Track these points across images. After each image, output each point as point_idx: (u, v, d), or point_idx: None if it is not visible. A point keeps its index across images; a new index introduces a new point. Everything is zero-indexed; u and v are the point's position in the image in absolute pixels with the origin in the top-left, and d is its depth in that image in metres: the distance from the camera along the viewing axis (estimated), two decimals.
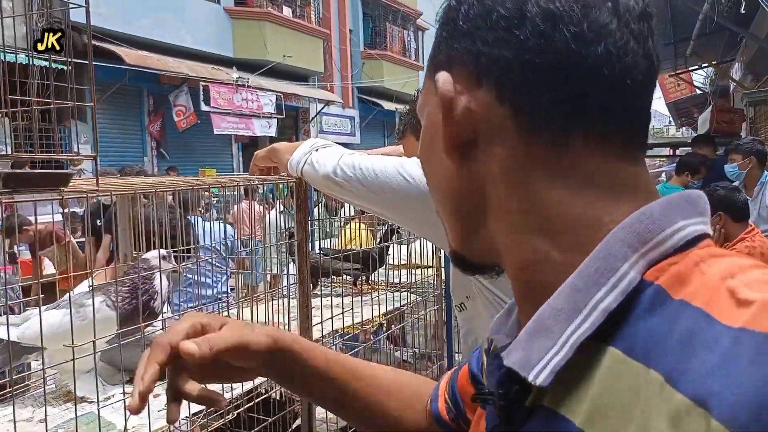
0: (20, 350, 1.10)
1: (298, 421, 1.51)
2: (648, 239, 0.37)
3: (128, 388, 1.15)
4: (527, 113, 0.40)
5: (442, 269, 1.90)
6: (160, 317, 1.26)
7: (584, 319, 0.36)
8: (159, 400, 1.10)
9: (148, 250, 1.37)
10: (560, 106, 0.39)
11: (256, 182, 1.22)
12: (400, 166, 1.16)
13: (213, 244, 2.32)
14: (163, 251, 1.28)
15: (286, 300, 1.44)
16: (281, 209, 4.35)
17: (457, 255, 0.48)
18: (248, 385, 1.19)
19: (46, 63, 0.81)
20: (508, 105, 0.40)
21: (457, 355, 2.07)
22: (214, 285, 2.58)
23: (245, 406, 1.17)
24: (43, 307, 1.16)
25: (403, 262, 2.11)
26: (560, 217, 0.40)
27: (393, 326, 2.57)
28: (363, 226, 2.71)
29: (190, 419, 1.06)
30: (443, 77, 0.43)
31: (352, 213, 2.91)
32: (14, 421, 0.82)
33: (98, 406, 0.96)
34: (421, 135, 0.48)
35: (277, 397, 1.46)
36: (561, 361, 0.36)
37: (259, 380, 1.22)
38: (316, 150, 1.23)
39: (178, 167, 9.00)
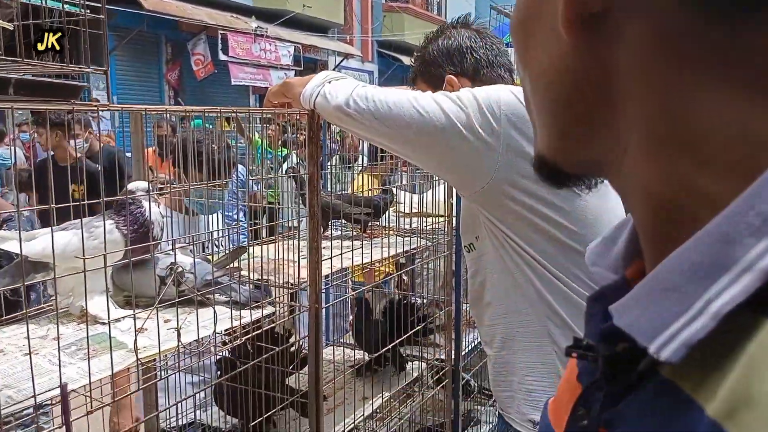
0: (29, 267, 1.12)
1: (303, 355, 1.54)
2: None
3: (138, 312, 1.18)
4: None
5: (453, 217, 1.89)
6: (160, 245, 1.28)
7: (734, 280, 0.26)
8: (169, 324, 1.12)
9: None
10: None
11: (270, 114, 1.21)
12: (414, 99, 1.14)
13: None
14: (145, 183, 1.30)
15: (296, 241, 1.45)
16: (296, 161, 4.36)
17: (547, 162, 0.39)
18: (256, 315, 1.21)
19: (59, 5, 0.79)
20: None
21: (464, 304, 2.08)
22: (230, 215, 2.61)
23: (252, 334, 1.20)
24: (47, 230, 1.19)
25: (414, 211, 2.10)
26: (718, 128, 0.29)
27: (402, 272, 2.59)
28: (374, 179, 2.72)
29: (199, 341, 1.08)
30: None
31: (365, 165, 2.92)
32: (28, 338, 0.85)
33: (109, 327, 0.99)
34: (515, 7, 0.39)
35: (281, 332, 1.48)
36: (698, 333, 0.27)
37: (267, 310, 1.24)
38: (329, 82, 1.22)
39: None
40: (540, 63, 0.36)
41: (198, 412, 1.61)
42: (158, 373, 1.36)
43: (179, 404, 1.53)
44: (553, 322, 1.16)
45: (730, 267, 0.26)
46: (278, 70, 12.03)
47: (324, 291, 1.36)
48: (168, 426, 1.54)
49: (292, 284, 1.33)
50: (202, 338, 1.10)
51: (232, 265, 1.38)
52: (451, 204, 1.88)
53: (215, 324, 1.07)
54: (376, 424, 1.68)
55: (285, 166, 4.01)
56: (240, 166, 2.85)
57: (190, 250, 1.42)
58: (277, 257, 1.39)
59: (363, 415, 1.52)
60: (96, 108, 0.78)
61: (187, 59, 10.79)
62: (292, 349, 1.50)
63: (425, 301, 2.14)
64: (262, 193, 1.90)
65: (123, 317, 1.13)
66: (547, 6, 0.34)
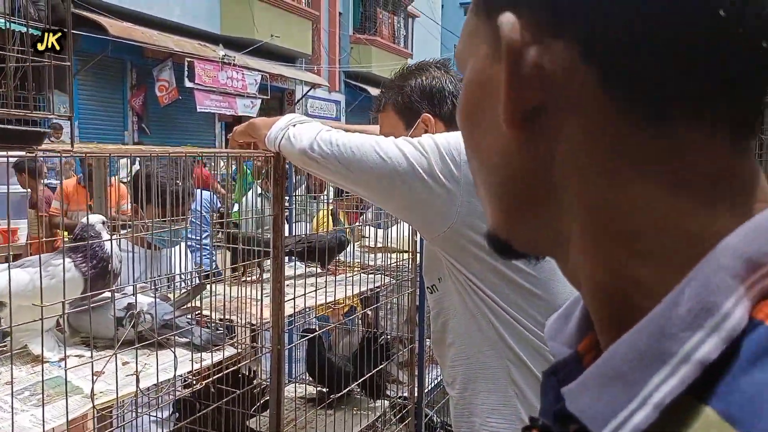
0: None
1: (266, 396, 1.53)
2: (761, 264, 0.28)
3: (85, 352, 1.15)
4: (623, 80, 0.30)
5: (418, 253, 1.92)
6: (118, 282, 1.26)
7: (673, 371, 0.28)
8: (128, 367, 1.10)
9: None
10: (678, 75, 0.29)
11: (236, 156, 1.22)
12: (376, 144, 1.17)
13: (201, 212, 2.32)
14: (101, 217, 1.29)
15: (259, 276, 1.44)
16: (259, 191, 4.34)
17: (498, 240, 0.40)
18: (217, 357, 1.19)
19: (23, 28, 0.80)
20: (596, 66, 0.31)
21: (427, 340, 2.10)
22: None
23: (213, 378, 1.18)
24: (4, 265, 1.16)
25: (378, 246, 2.12)
26: (650, 222, 0.31)
27: (366, 308, 2.59)
28: (340, 211, 2.74)
29: (158, 386, 1.07)
30: (508, 20, 0.32)
31: (331, 197, 2.93)
32: None
33: (65, 368, 0.97)
34: (463, 92, 0.40)
35: (246, 372, 1.47)
36: (643, 423, 0.28)
37: (228, 352, 1.23)
38: (294, 125, 1.24)
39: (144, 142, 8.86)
40: (485, 149, 0.38)
41: None
42: (115, 421, 1.32)
43: None
44: (514, 364, 1.19)
45: (667, 360, 0.28)
46: (244, 98, 12.02)
47: (287, 331, 1.36)
48: None
49: (254, 325, 1.33)
50: (161, 382, 1.08)
51: (191, 305, 1.37)
52: (415, 241, 1.90)
53: (175, 368, 1.06)
54: None
55: (250, 194, 3.98)
56: (205, 192, 2.84)
57: (152, 288, 1.40)
58: (239, 295, 1.38)
59: None
60: (60, 155, 0.78)
61: (152, 85, 10.71)
62: (255, 390, 1.49)
63: (389, 337, 2.14)
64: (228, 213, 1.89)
65: (78, 363, 1.11)
66: (489, 99, 0.35)
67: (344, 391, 1.68)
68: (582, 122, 0.32)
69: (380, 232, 2.18)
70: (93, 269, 1.21)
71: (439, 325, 1.34)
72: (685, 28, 0.29)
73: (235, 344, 1.26)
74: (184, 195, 1.51)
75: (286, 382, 1.85)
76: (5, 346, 1.20)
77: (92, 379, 0.96)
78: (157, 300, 1.31)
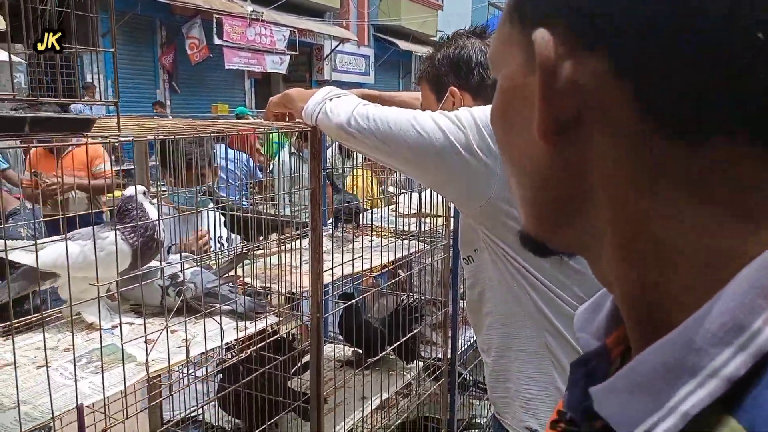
0: (37, 276, 1.15)
1: (306, 358, 1.58)
2: None
3: (135, 319, 1.21)
4: (656, 95, 0.30)
5: (451, 218, 1.92)
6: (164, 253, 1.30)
7: (701, 383, 0.28)
8: (176, 335, 1.15)
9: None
10: (713, 92, 0.29)
11: (274, 129, 1.23)
12: (413, 118, 1.16)
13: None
14: (142, 187, 1.32)
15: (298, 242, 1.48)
16: (292, 151, 4.36)
17: (532, 240, 0.40)
18: (259, 325, 1.24)
19: None
20: (630, 81, 0.31)
21: (461, 302, 2.12)
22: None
23: (257, 345, 1.23)
24: (56, 237, 1.21)
25: (413, 211, 2.13)
26: (682, 236, 0.31)
27: (400, 272, 2.62)
28: (368, 172, 2.75)
29: (205, 355, 1.12)
30: (542, 37, 0.33)
31: (363, 159, 2.95)
32: (44, 349, 0.88)
33: (122, 339, 1.02)
34: (496, 99, 0.40)
35: (288, 337, 1.52)
36: (669, 431, 0.29)
37: (269, 320, 1.27)
38: (331, 99, 1.24)
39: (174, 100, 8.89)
40: (518, 154, 0.38)
41: (201, 411, 1.65)
42: (165, 390, 1.39)
43: (183, 404, 1.57)
44: (552, 334, 1.20)
45: (696, 372, 0.29)
46: (273, 54, 11.94)
47: (325, 299, 1.39)
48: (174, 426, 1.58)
49: (293, 293, 1.37)
50: (209, 350, 1.13)
51: (232, 273, 1.41)
52: (449, 207, 1.91)
53: (222, 338, 1.10)
54: (374, 421, 1.73)
55: (284, 153, 4.02)
56: (244, 155, 2.88)
57: (194, 257, 1.44)
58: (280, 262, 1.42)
59: (362, 415, 1.56)
60: (108, 141, 0.81)
61: (182, 43, 10.70)
62: (294, 353, 1.54)
63: (422, 300, 2.17)
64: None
65: (130, 332, 1.17)
66: (522, 109, 0.36)
67: (380, 355, 1.72)
68: (615, 135, 0.32)
69: (413, 196, 2.19)
70: (140, 240, 1.26)
71: (475, 295, 1.36)
72: (719, 47, 0.28)
73: (276, 312, 1.31)
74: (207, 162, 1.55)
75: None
76: (60, 313, 1.26)
77: (146, 350, 1.00)
78: (198, 270, 1.36)
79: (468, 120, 1.16)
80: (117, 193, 1.41)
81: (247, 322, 1.22)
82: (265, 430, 1.47)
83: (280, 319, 1.29)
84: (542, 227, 0.39)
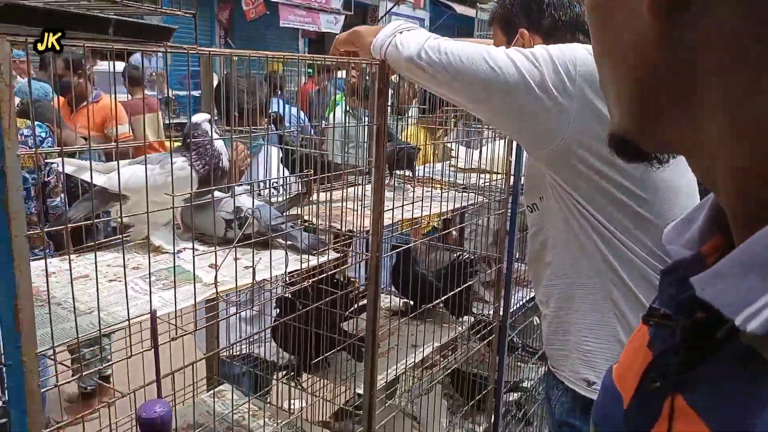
0: (108, 197, 1.18)
1: (361, 302, 1.59)
2: None
3: (199, 246, 1.23)
4: None
5: (512, 176, 1.88)
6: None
7: None
8: (239, 262, 1.17)
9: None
10: None
11: (345, 61, 1.21)
12: (486, 53, 1.12)
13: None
14: (206, 115, 1.32)
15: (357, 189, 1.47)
16: (346, 109, 4.35)
17: (623, 141, 0.40)
18: (320, 259, 1.24)
19: None
20: None
21: (516, 263, 2.09)
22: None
23: (316, 278, 1.24)
24: (126, 161, 1.24)
25: (470, 166, 2.10)
26: None
27: (451, 226, 2.60)
28: (422, 130, 2.73)
29: (270, 280, 1.13)
30: None
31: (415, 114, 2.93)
32: (124, 267, 0.90)
33: (194, 261, 1.04)
34: None
35: (343, 279, 1.52)
36: None
37: (330, 256, 1.28)
38: (401, 32, 1.20)
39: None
40: (620, 44, 0.36)
41: (255, 347, 1.69)
42: (222, 312, 1.42)
43: (237, 338, 1.60)
44: (617, 287, 1.16)
45: None
46: (328, 14, 11.86)
47: (384, 240, 1.38)
48: (228, 357, 1.62)
49: (352, 232, 1.36)
50: (265, 279, 1.14)
51: (292, 211, 1.41)
52: (510, 161, 1.86)
53: (286, 264, 1.11)
54: (423, 371, 1.73)
55: (337, 111, 4.02)
56: (293, 109, 2.89)
57: (258, 192, 1.45)
58: (344, 204, 1.41)
59: (414, 361, 1.56)
60: (187, 51, 0.80)
61: None
62: (350, 295, 1.55)
63: (475, 256, 2.15)
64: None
65: (183, 248, 1.19)
66: None
67: (432, 304, 1.71)
68: (729, 19, 0.31)
69: (471, 152, 2.15)
70: (205, 167, 1.27)
71: (537, 244, 1.32)
72: None
73: (336, 249, 1.31)
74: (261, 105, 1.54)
75: None
76: (128, 235, 1.30)
77: (216, 269, 1.02)
78: (262, 204, 1.37)
79: (544, 57, 1.11)
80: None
81: (307, 256, 1.23)
82: (318, 365, 1.49)
83: (339, 255, 1.29)
84: (640, 123, 0.38)
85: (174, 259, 1.02)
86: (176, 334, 0.91)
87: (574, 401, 1.26)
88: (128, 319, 0.85)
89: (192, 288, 1.02)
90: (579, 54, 1.11)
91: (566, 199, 1.19)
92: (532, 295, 2.25)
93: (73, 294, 0.79)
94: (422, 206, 1.51)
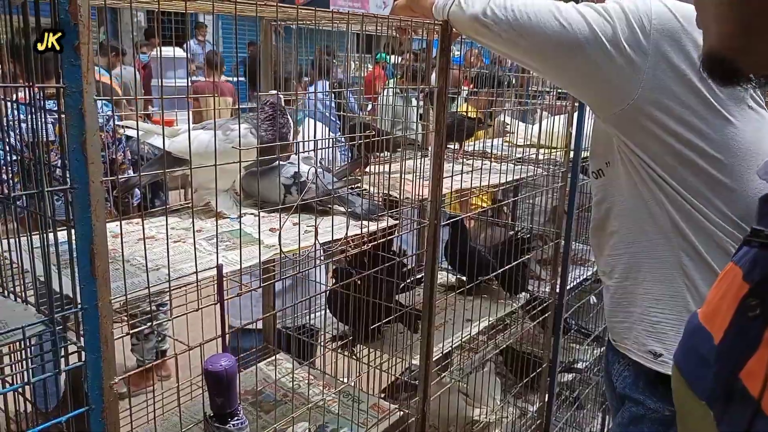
0: (172, 161, 1.20)
1: (419, 275, 1.58)
2: None
3: (268, 215, 1.24)
4: None
5: (571, 150, 1.82)
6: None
7: None
8: (304, 223, 1.17)
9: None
10: None
11: (409, 21, 1.19)
12: (555, 9, 1.08)
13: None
14: (274, 91, 1.32)
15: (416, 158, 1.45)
16: (396, 90, 4.33)
17: (720, 59, 0.39)
18: (375, 227, 1.23)
19: None
20: None
21: (574, 243, 2.03)
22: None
23: (377, 242, 1.23)
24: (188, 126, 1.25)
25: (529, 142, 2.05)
26: None
27: (505, 209, 2.55)
28: (472, 107, 2.69)
29: (331, 244, 1.13)
30: None
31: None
32: (193, 231, 0.92)
33: (259, 223, 1.05)
34: None
35: (396, 249, 1.51)
36: None
37: (391, 223, 1.27)
38: None
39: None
40: None
41: (310, 315, 1.70)
42: (277, 275, 1.44)
43: (293, 306, 1.62)
44: (688, 255, 1.11)
45: None
46: None
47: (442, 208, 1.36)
48: (283, 326, 1.64)
49: (408, 199, 1.35)
50: (322, 245, 1.14)
51: (350, 177, 1.41)
52: (570, 133, 1.80)
53: (347, 227, 1.11)
54: (478, 344, 1.71)
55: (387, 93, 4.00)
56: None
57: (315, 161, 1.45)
58: (403, 172, 1.40)
59: (470, 334, 1.54)
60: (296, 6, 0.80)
61: None
62: (404, 269, 1.54)
63: (531, 233, 2.10)
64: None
65: (244, 213, 1.20)
66: None
67: (486, 277, 1.69)
68: None
69: (530, 128, 2.10)
70: (268, 135, 1.27)
71: (601, 212, 1.28)
72: None
73: (393, 217, 1.30)
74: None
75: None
76: (188, 203, 1.32)
77: (279, 229, 1.02)
78: (320, 170, 1.37)
79: (616, 11, 1.06)
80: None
81: (365, 222, 1.22)
82: (371, 335, 1.49)
83: (398, 222, 1.28)
84: (744, 37, 0.37)
85: (240, 223, 1.02)
86: (241, 290, 0.92)
87: (638, 375, 1.21)
88: (196, 271, 0.86)
89: (253, 249, 1.03)
90: (654, 7, 1.06)
91: (635, 162, 1.14)
92: (588, 273, 2.19)
93: (145, 248, 0.81)
94: (480, 176, 1.48)
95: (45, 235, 0.68)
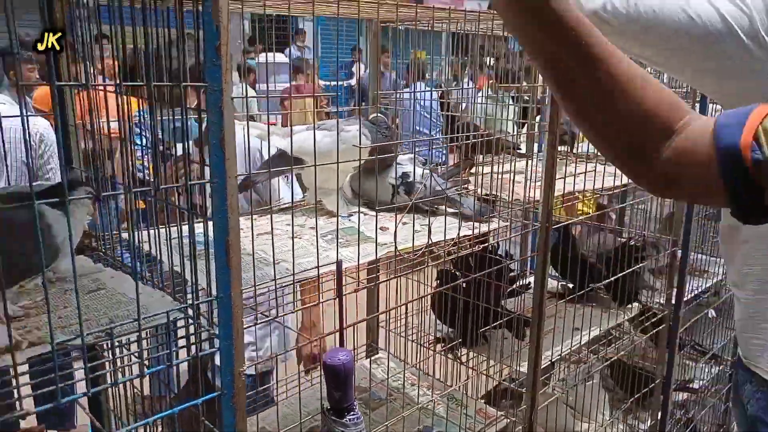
0: (288, 161, 1.24)
1: (526, 280, 1.54)
2: None
3: (369, 211, 1.26)
4: None
5: None
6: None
7: None
8: (407, 227, 1.18)
9: None
10: None
11: None
12: (684, 1, 1.01)
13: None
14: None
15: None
16: (488, 93, 4.30)
17: None
18: (484, 228, 1.21)
19: None
20: None
21: (692, 253, 1.90)
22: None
23: (485, 245, 1.21)
24: (304, 126, 1.29)
25: None
26: None
27: (612, 214, 2.44)
28: None
29: (444, 243, 1.13)
30: None
31: None
32: (316, 228, 0.94)
33: (376, 222, 1.06)
34: None
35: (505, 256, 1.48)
36: None
37: (494, 225, 1.24)
38: None
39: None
40: None
41: (412, 318, 1.70)
42: (383, 275, 1.45)
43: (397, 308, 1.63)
44: None
45: None
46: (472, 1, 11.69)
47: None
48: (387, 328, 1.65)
49: (518, 201, 1.32)
50: (447, 239, 1.13)
51: (458, 178, 1.40)
52: None
53: (459, 228, 1.10)
54: (587, 355, 1.64)
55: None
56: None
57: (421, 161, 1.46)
58: (512, 175, 1.37)
59: (579, 344, 1.48)
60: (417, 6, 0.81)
61: None
62: (511, 274, 1.50)
63: (643, 241, 1.99)
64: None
65: (352, 211, 1.22)
66: None
67: (594, 286, 1.61)
68: None
69: None
70: (381, 135, 1.29)
71: (731, 220, 1.18)
72: None
73: (503, 218, 1.27)
74: None
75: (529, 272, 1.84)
76: (303, 200, 1.37)
77: (395, 226, 1.03)
78: (427, 171, 1.37)
79: (755, 0, 0.98)
80: None
81: (476, 224, 1.21)
82: (475, 339, 1.47)
83: (507, 224, 1.25)
84: None
85: (358, 220, 1.04)
86: (358, 285, 0.93)
87: None
88: (317, 266, 0.88)
89: (368, 246, 1.05)
90: None
91: None
92: (707, 285, 2.04)
93: (272, 243, 0.84)
94: (594, 178, 1.42)
95: (191, 226, 0.72)
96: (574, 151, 1.86)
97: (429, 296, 1.57)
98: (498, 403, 1.70)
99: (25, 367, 0.66)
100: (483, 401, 1.68)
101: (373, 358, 1.62)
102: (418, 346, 1.56)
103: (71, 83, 0.85)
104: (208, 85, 0.68)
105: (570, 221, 1.68)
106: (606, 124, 0.64)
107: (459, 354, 1.49)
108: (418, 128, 2.69)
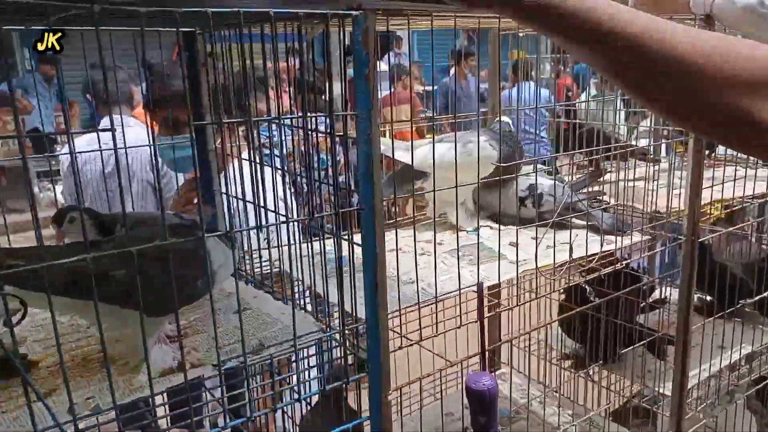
0: (410, 174, 1.23)
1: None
2: None
3: (494, 224, 1.21)
4: None
5: None
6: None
7: None
8: (534, 243, 1.13)
9: None
10: None
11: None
12: None
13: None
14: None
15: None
16: (594, 92, 4.11)
17: None
18: (621, 242, 1.14)
19: None
20: None
21: None
22: None
23: (625, 262, 1.14)
24: (425, 141, 1.28)
25: None
26: None
27: (739, 216, 2.22)
28: None
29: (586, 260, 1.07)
30: None
31: None
32: (457, 245, 0.92)
33: (517, 237, 1.03)
34: None
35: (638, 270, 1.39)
36: None
37: (635, 238, 1.17)
38: None
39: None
40: None
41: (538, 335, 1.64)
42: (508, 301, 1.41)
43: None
44: None
45: None
46: None
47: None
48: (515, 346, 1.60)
49: (659, 213, 1.23)
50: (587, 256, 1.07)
51: (590, 189, 1.33)
52: None
53: (601, 244, 1.04)
54: (737, 375, 1.50)
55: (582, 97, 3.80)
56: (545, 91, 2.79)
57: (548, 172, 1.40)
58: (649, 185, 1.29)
59: (729, 363, 1.36)
60: None
61: None
62: (644, 287, 1.41)
63: None
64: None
65: (482, 225, 1.18)
66: None
67: (748, 302, 1.47)
68: None
69: None
70: (506, 148, 1.26)
71: None
72: None
73: (641, 231, 1.19)
74: None
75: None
76: (424, 214, 1.35)
77: (537, 242, 0.99)
78: (556, 183, 1.31)
79: None
80: None
81: (607, 237, 1.14)
82: (611, 356, 1.39)
83: (648, 237, 1.17)
84: None
85: (463, 237, 1.01)
86: (499, 307, 0.90)
87: None
88: (459, 289, 0.86)
89: (499, 264, 1.01)
90: None
91: None
92: None
93: (416, 263, 0.83)
94: (745, 185, 1.30)
95: (337, 250, 0.72)
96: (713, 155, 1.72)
97: (557, 312, 1.50)
98: (629, 421, 1.60)
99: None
100: (611, 419, 1.59)
101: (496, 373, 1.58)
102: (545, 362, 1.50)
103: (263, 118, 0.86)
104: (357, 113, 0.68)
105: (717, 232, 1.55)
106: (702, 118, 0.56)
107: (591, 372, 1.41)
108: (524, 127, 2.63)
